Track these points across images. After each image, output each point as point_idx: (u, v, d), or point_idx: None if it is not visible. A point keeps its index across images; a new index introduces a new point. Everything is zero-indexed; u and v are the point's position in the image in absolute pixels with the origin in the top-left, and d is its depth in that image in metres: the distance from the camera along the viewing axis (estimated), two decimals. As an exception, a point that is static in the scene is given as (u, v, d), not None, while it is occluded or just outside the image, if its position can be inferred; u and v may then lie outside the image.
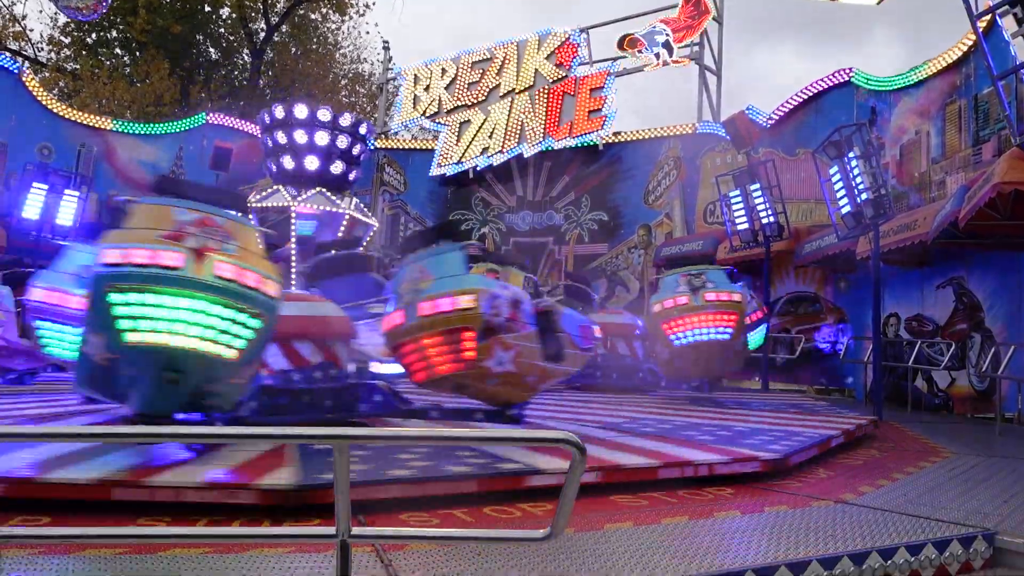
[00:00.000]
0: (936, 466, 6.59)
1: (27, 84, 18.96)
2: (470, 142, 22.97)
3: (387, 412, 6.92)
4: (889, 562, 3.71)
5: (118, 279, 4.63)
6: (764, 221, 15.54)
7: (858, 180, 11.03)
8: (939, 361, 12.76)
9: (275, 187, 11.17)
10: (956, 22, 12.27)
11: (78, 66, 30.29)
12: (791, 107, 17.95)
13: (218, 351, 4.80)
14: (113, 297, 4.62)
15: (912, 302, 14.09)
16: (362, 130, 11.51)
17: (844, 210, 11.46)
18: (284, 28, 33.25)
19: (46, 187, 16.09)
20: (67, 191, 16.53)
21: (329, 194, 11.36)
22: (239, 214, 5.29)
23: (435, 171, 23.45)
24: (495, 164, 22.80)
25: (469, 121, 23.16)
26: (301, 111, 11.26)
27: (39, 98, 19.17)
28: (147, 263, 4.65)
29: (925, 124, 14.30)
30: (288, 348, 6.46)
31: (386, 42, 27.70)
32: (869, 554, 3.68)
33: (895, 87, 15.24)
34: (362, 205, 11.64)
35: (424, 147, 24.59)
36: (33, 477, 4.11)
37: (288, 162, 11.30)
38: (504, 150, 22.51)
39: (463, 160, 23.04)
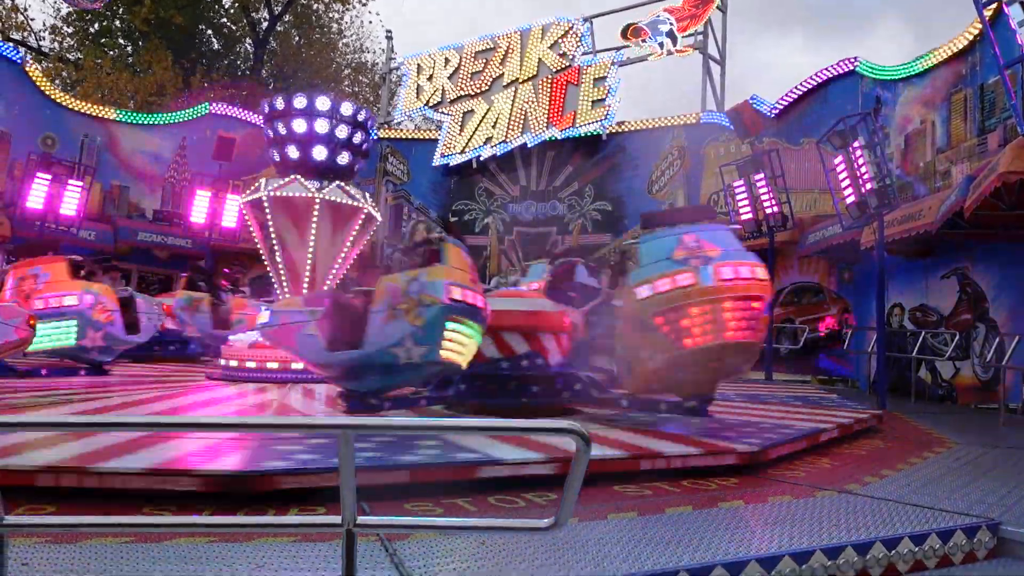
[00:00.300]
0: (940, 456, 6.59)
1: (30, 74, 18.93)
2: (473, 132, 22.94)
3: (586, 400, 7.49)
4: (893, 552, 3.72)
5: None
6: (768, 211, 15.50)
7: (863, 170, 11.00)
8: (943, 351, 12.74)
9: (292, 176, 11.13)
10: (964, 13, 12.24)
11: (81, 55, 30.27)
12: (795, 96, 17.90)
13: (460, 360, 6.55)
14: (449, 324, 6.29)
15: (916, 292, 14.06)
16: (360, 116, 11.46)
17: (848, 200, 11.43)
18: (287, 18, 33.18)
19: (49, 177, 16.10)
20: (70, 181, 16.53)
21: (348, 188, 11.35)
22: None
23: (438, 161, 23.43)
24: (498, 154, 22.77)
25: (472, 111, 23.13)
26: (302, 101, 11.23)
27: (42, 88, 19.15)
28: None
29: (930, 113, 14.25)
30: (498, 339, 7.24)
31: (389, 31, 27.65)
32: (873, 544, 3.68)
33: (900, 76, 15.17)
34: (349, 190, 11.56)
35: (427, 137, 24.56)
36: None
37: (291, 152, 11.28)
38: (507, 140, 22.48)
39: (466, 150, 23.01)
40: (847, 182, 11.38)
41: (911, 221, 12.46)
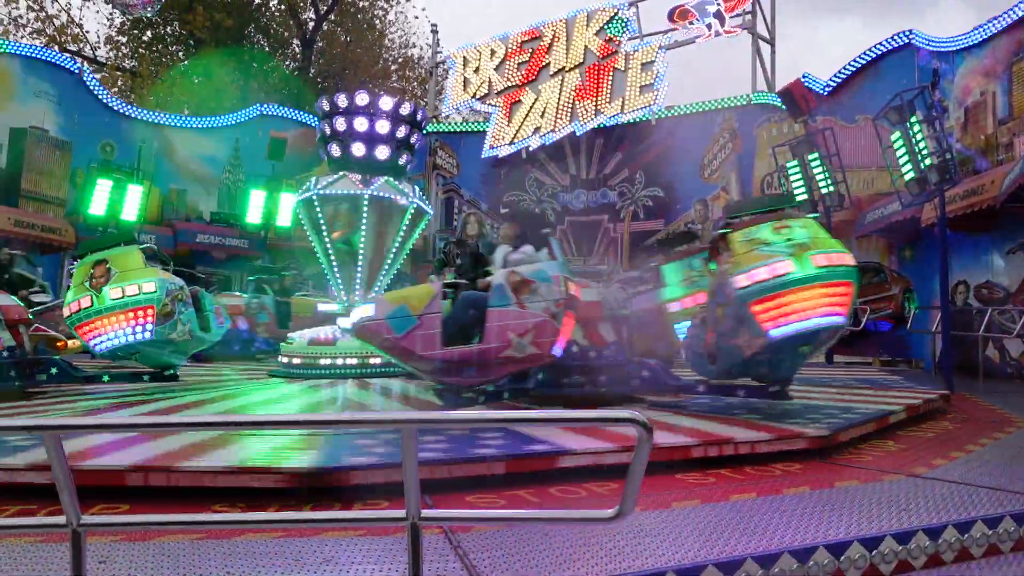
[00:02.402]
0: (1011, 437, 6.43)
1: (87, 84, 19.42)
2: (522, 122, 22.90)
3: (656, 387, 7.58)
4: (966, 536, 3.64)
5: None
6: (824, 191, 15.21)
7: (921, 145, 10.74)
8: (1011, 329, 12.40)
9: (341, 173, 11.25)
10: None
11: (136, 64, 30.93)
12: (849, 73, 17.53)
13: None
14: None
15: (981, 269, 13.71)
16: (405, 110, 11.52)
17: (907, 177, 11.17)
18: (333, 16, 33.47)
19: (110, 183, 16.48)
20: (130, 186, 16.91)
21: (398, 182, 11.43)
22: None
23: (487, 153, 23.45)
24: (547, 143, 22.71)
25: (520, 101, 23.09)
26: (359, 99, 11.34)
27: (99, 97, 19.62)
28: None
29: (991, 84, 13.85)
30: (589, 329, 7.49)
31: (434, 25, 27.72)
32: (945, 528, 3.61)
33: (958, 47, 14.77)
34: (421, 192, 11.68)
35: (475, 129, 24.60)
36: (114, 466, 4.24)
37: (341, 149, 11.39)
38: (556, 129, 22.41)
39: (515, 140, 23.00)
40: (905, 158, 11.12)
41: (973, 196, 12.15)
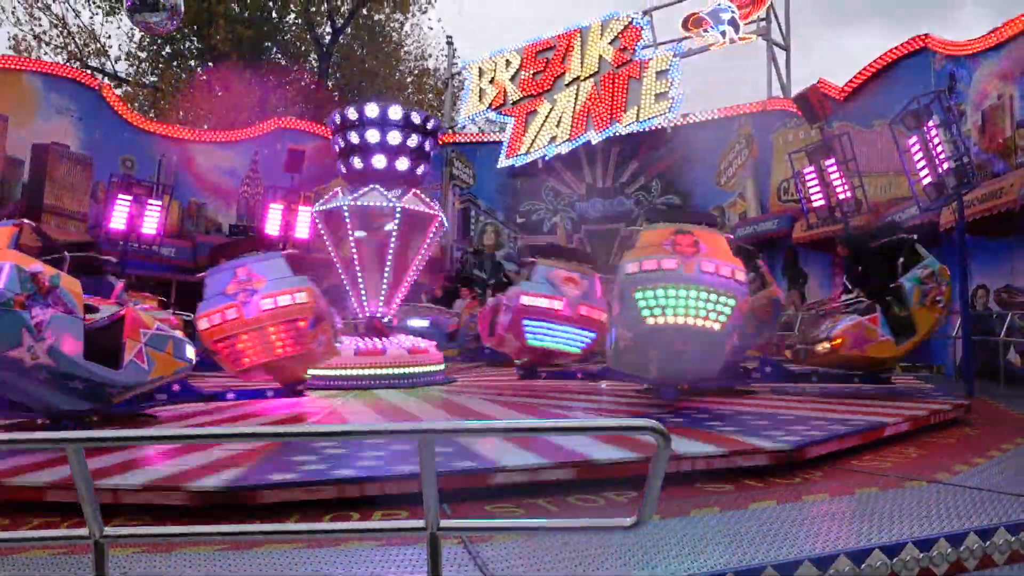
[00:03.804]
0: (1034, 442, 6.37)
1: (108, 99, 19.64)
2: (537, 132, 22.94)
3: (186, 399, 7.69)
4: (988, 543, 3.61)
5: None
6: (841, 196, 15.13)
7: (939, 149, 10.67)
8: (1033, 333, 12.29)
9: (371, 186, 11.34)
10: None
11: (156, 79, 31.25)
12: (865, 78, 17.45)
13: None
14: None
15: (1001, 272, 13.59)
16: (416, 119, 11.59)
17: (925, 181, 11.10)
18: (349, 30, 33.69)
19: (130, 198, 16.62)
20: (150, 201, 17.05)
21: (383, 190, 11.48)
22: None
23: (503, 163, 23.49)
24: (563, 153, 22.73)
25: (535, 111, 23.13)
26: (372, 110, 11.42)
27: (119, 112, 19.84)
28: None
29: (1008, 87, 13.75)
30: None
31: (449, 37, 27.84)
32: (967, 535, 3.58)
33: (974, 51, 14.68)
34: (424, 197, 11.71)
35: (492, 140, 24.66)
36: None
37: (358, 162, 11.47)
38: (572, 138, 22.43)
39: (531, 150, 23.03)
40: (923, 163, 11.05)
41: (992, 199, 12.06)
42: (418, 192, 11.59)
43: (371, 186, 11.35)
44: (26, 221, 6.31)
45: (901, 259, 9.50)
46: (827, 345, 8.88)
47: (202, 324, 7.44)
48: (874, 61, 17.23)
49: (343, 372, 10.73)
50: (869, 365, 9.08)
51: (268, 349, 7.54)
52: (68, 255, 6.37)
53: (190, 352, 7.13)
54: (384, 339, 11.23)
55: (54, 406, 5.99)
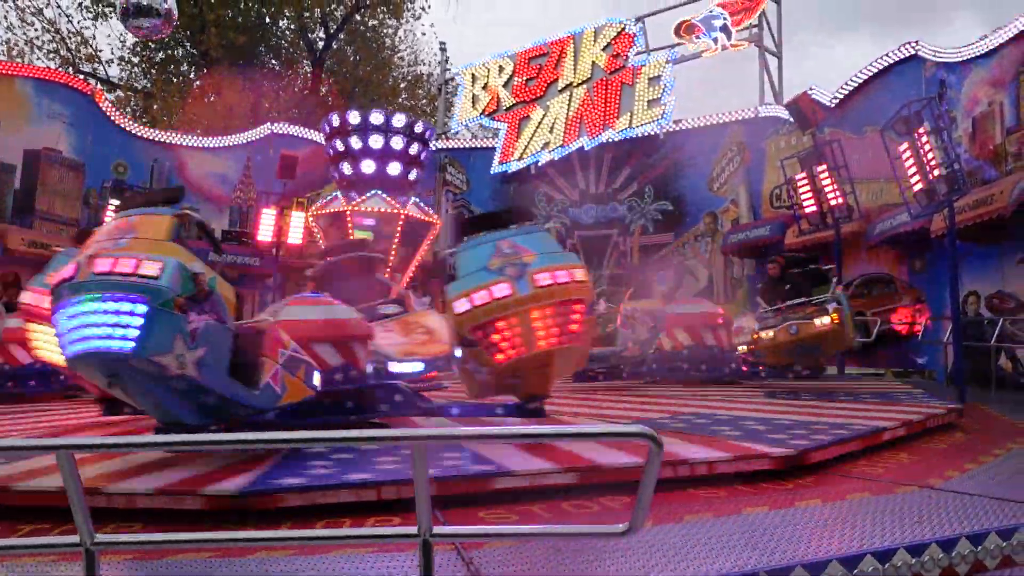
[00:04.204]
0: (1025, 447, 6.39)
1: (100, 104, 19.61)
2: (530, 138, 22.98)
3: (408, 412, 6.83)
4: (980, 548, 3.62)
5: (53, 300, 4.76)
6: (833, 203, 15.20)
7: (929, 156, 10.73)
8: (1023, 338, 12.34)
9: (373, 192, 11.36)
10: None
11: (148, 84, 31.23)
12: (856, 84, 17.55)
13: (118, 345, 4.51)
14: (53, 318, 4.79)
15: (992, 279, 13.66)
16: (417, 128, 11.63)
17: (916, 188, 11.16)
18: (342, 36, 33.72)
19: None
20: (142, 206, 17.00)
21: (386, 196, 11.52)
22: (154, 208, 5.20)
23: (496, 168, 23.52)
24: (556, 159, 22.77)
25: (529, 117, 23.18)
26: (360, 117, 11.45)
27: (112, 117, 19.81)
28: (57, 282, 4.73)
29: (999, 94, 13.84)
30: (308, 352, 6.10)
31: (443, 43, 27.89)
32: (958, 540, 3.59)
33: (965, 58, 14.76)
34: (422, 204, 11.77)
35: (485, 145, 24.69)
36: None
37: (351, 167, 11.48)
38: (565, 144, 22.47)
39: (524, 156, 23.07)
40: (914, 169, 11.10)
41: (983, 206, 12.13)
42: (418, 200, 11.63)
43: (373, 192, 11.37)
44: (188, 211, 5.48)
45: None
46: (826, 320, 10.20)
47: (460, 306, 6.08)
48: (865, 68, 17.32)
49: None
50: (825, 349, 10.94)
51: (556, 332, 6.11)
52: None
53: (316, 379, 5.98)
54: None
55: (174, 416, 5.17)
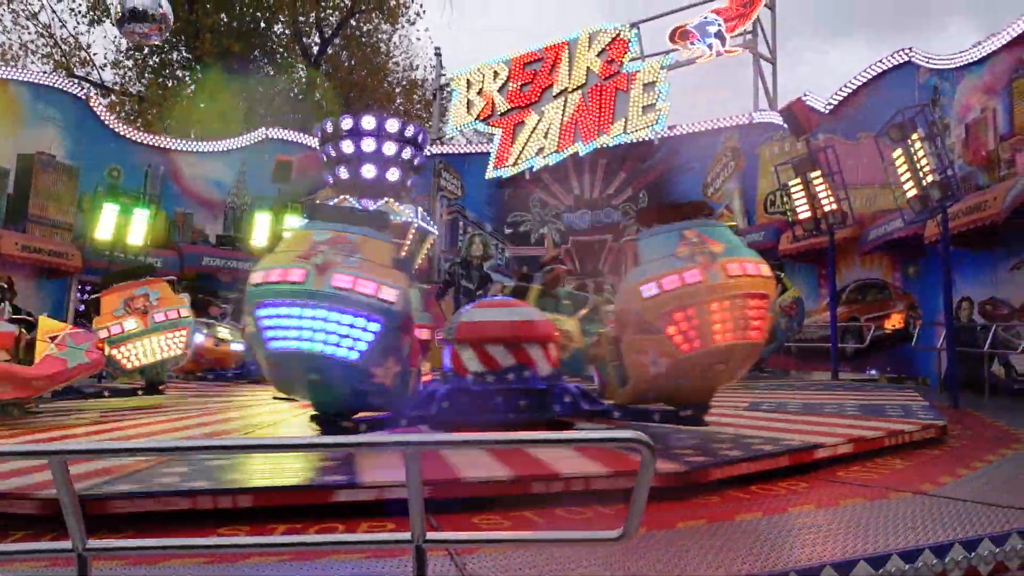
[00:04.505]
0: (1018, 453, 6.40)
1: (94, 109, 19.58)
2: (525, 143, 22.99)
3: (578, 413, 6.86)
4: (973, 554, 3.62)
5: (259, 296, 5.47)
6: (827, 208, 15.25)
7: (923, 162, 10.77)
8: (1016, 345, 12.37)
9: (341, 196, 11.34)
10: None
11: (142, 88, 31.21)
12: (850, 91, 17.61)
13: (343, 353, 5.35)
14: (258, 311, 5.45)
15: (985, 285, 13.70)
16: (409, 132, 11.62)
17: (910, 194, 11.20)
18: (337, 40, 33.74)
19: (116, 208, 16.56)
20: (136, 210, 17.00)
21: (397, 204, 11.52)
22: (371, 230, 5.85)
23: (491, 174, 23.52)
24: (551, 164, 22.79)
25: (523, 122, 23.19)
26: (353, 121, 11.44)
27: (106, 122, 19.78)
28: (278, 280, 5.38)
29: (992, 101, 13.89)
30: (481, 352, 6.65)
31: (438, 48, 27.92)
32: (952, 546, 3.60)
33: (958, 64, 14.82)
34: (425, 213, 11.77)
35: (480, 151, 24.71)
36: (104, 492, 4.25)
37: (347, 172, 11.47)
38: (560, 149, 22.49)
39: (519, 162, 23.08)
40: (907, 175, 11.15)
41: (976, 212, 12.17)
42: (392, 200, 11.56)
43: (341, 197, 11.35)
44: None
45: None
46: None
47: (648, 291, 5.97)
48: (859, 74, 17.38)
49: None
50: None
51: (742, 325, 5.93)
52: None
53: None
54: None
55: (339, 409, 5.99)
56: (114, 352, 9.24)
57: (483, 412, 6.49)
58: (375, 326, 5.36)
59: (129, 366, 9.52)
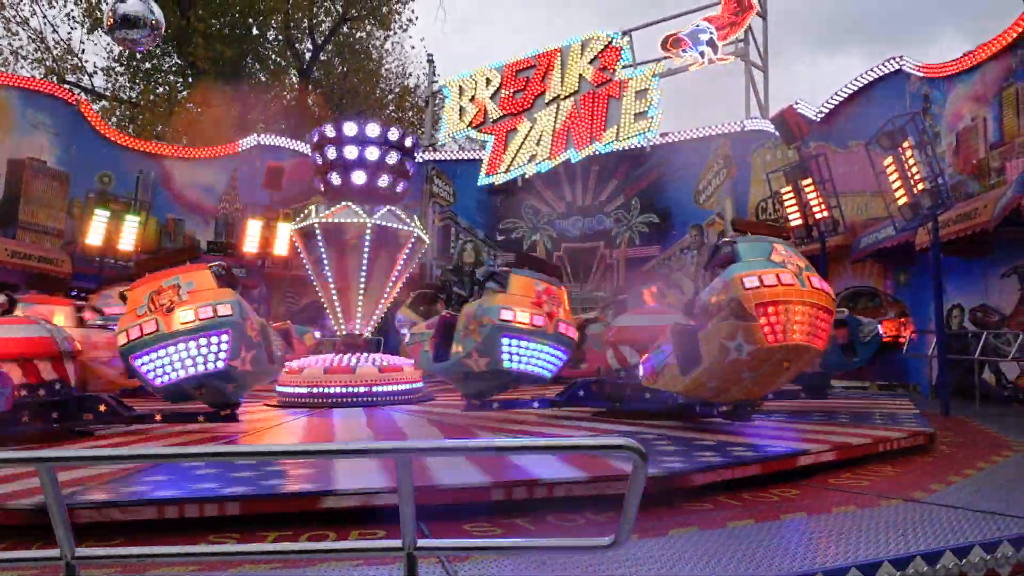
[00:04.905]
0: (1008, 460, 6.42)
1: (85, 115, 19.52)
2: (517, 150, 23.00)
3: (655, 407, 8.36)
4: (964, 561, 3.63)
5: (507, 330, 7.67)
6: (818, 216, 15.30)
7: (914, 170, 10.81)
8: (1007, 352, 12.41)
9: (343, 203, 11.30)
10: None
11: (134, 94, 31.14)
12: (841, 99, 17.66)
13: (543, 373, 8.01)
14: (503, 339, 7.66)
15: (975, 292, 13.74)
16: (393, 136, 11.60)
17: (901, 201, 11.23)
18: (330, 47, 33.73)
19: (107, 214, 16.51)
20: (127, 217, 16.95)
21: (399, 212, 11.51)
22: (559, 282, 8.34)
23: (483, 181, 23.52)
24: (543, 171, 22.80)
25: (515, 129, 23.20)
26: (343, 128, 11.42)
27: (97, 128, 19.72)
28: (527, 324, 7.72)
29: (981, 110, 13.95)
30: (616, 352, 9.23)
31: (430, 55, 27.91)
32: (943, 553, 3.60)
33: (948, 73, 14.89)
34: (403, 213, 11.73)
35: (472, 157, 24.71)
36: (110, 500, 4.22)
37: (340, 178, 11.45)
38: (552, 157, 22.50)
39: (511, 168, 23.08)
40: (898, 183, 11.19)
41: (966, 220, 12.20)
42: (393, 208, 11.56)
43: (343, 203, 11.31)
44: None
45: None
46: None
47: (751, 282, 6.63)
48: (850, 82, 17.44)
49: (312, 389, 10.71)
50: None
51: (814, 332, 6.71)
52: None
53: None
54: (358, 356, 11.17)
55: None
56: (137, 364, 6.93)
57: (602, 401, 8.97)
58: (562, 354, 8.08)
59: (159, 383, 6.97)
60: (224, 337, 6.83)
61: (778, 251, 6.94)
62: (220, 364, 6.84)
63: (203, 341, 6.77)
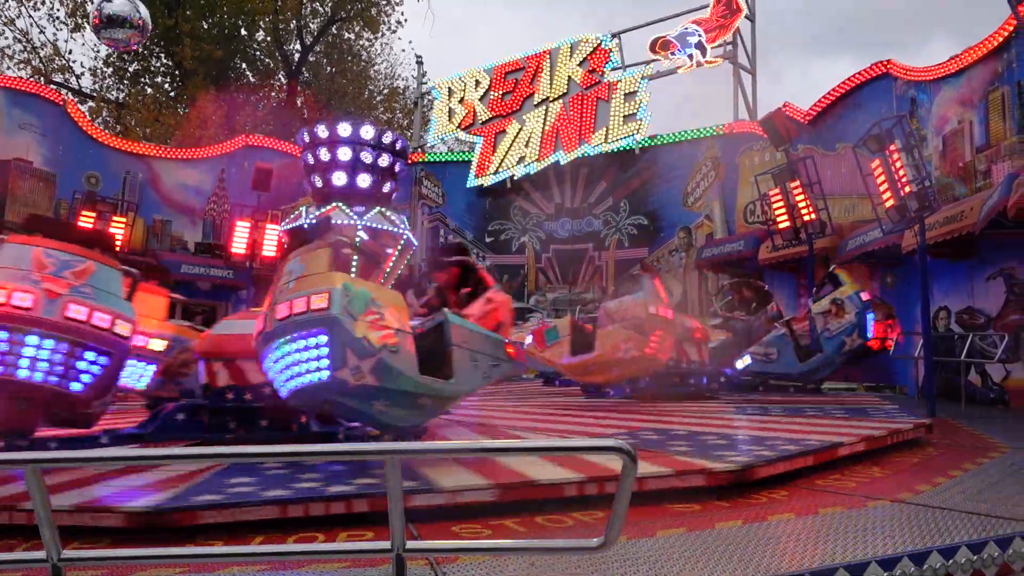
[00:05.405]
0: (994, 462, 6.45)
1: (72, 115, 19.42)
2: (506, 152, 23.03)
3: (718, 392, 12.21)
4: (951, 561, 3.64)
5: None
6: (806, 218, 15.37)
7: (901, 173, 10.86)
8: (992, 354, 12.48)
9: (334, 204, 11.26)
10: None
11: (122, 94, 31.01)
12: (829, 102, 17.75)
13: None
14: None
15: (962, 295, 13.82)
16: (387, 139, 11.56)
17: (887, 204, 11.29)
18: (318, 48, 33.66)
19: (94, 215, 16.43)
20: (115, 217, 16.87)
21: (390, 213, 11.47)
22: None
23: (472, 182, 23.54)
24: (532, 173, 22.82)
25: (505, 131, 23.23)
26: (330, 129, 11.38)
27: (84, 128, 19.63)
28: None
29: (968, 113, 14.04)
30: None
31: (419, 57, 27.91)
32: (929, 554, 3.61)
33: (935, 77, 14.98)
34: (393, 215, 11.72)
35: (461, 159, 24.71)
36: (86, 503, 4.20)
37: (329, 180, 11.41)
38: (541, 159, 22.53)
39: (500, 170, 23.10)
40: (885, 186, 11.24)
41: (953, 222, 12.27)
42: (384, 210, 11.53)
43: (333, 204, 11.27)
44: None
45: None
46: None
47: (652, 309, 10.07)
48: (838, 86, 17.53)
49: None
50: None
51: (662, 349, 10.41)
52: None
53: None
54: None
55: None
56: (264, 368, 5.85)
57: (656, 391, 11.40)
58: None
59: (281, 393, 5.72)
60: (322, 339, 5.08)
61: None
62: (323, 376, 5.05)
63: (300, 344, 5.15)
